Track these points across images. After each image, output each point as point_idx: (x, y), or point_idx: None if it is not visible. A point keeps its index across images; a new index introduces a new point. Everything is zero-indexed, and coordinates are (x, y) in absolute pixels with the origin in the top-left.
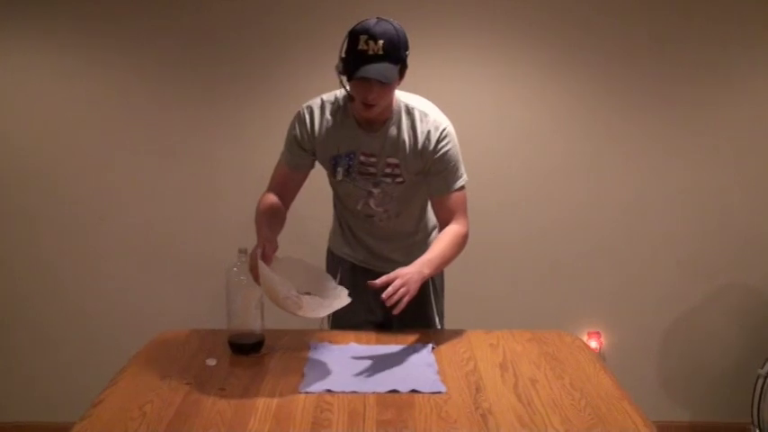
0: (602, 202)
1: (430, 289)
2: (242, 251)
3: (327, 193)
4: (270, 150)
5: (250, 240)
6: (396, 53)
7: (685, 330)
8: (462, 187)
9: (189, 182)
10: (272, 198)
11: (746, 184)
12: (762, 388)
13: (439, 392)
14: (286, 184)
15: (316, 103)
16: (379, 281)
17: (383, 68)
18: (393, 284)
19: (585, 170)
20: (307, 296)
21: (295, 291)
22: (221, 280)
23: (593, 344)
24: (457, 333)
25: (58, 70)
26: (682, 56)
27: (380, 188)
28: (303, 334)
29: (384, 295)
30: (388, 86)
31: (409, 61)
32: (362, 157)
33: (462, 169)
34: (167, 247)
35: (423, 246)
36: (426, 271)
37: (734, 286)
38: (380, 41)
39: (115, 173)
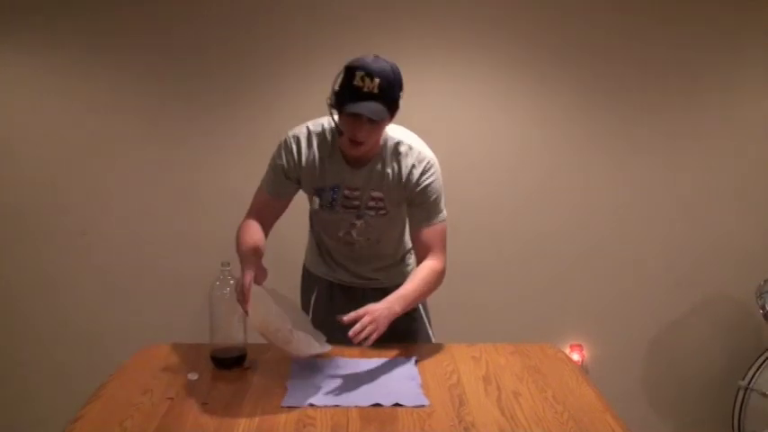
0: (584, 215)
1: (420, 309)
2: (224, 265)
3: (303, 209)
4: (253, 165)
5: (233, 255)
6: (390, 93)
7: (667, 343)
8: (443, 221)
9: (171, 195)
10: (254, 225)
11: (731, 197)
12: (743, 399)
13: (422, 406)
14: (267, 210)
15: (302, 132)
16: (347, 317)
17: (376, 107)
18: (362, 321)
19: (569, 184)
20: (299, 333)
21: (290, 325)
22: (204, 294)
23: (576, 356)
24: (440, 346)
25: (38, 83)
26: (670, 64)
27: (363, 220)
28: None
29: (351, 333)
30: (377, 125)
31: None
32: (347, 191)
33: (443, 204)
34: (149, 261)
35: (401, 265)
36: (397, 308)
37: (716, 299)
38: (377, 80)
39: (98, 187)
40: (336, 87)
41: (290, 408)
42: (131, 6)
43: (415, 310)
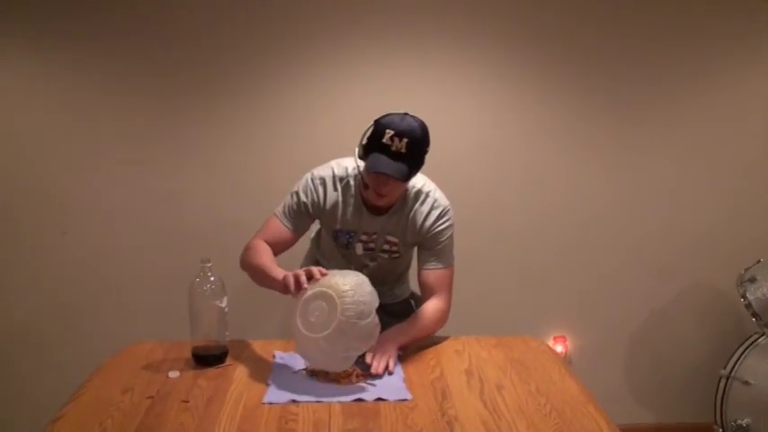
0: (566, 207)
1: (413, 306)
2: (204, 261)
3: None
4: (235, 163)
5: (213, 251)
6: (418, 153)
7: (650, 333)
8: (451, 265)
9: (153, 192)
10: (266, 247)
11: (711, 188)
12: (724, 388)
13: (405, 400)
14: (281, 241)
15: (328, 175)
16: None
17: (402, 168)
18: (375, 357)
19: (551, 177)
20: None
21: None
22: (185, 291)
23: (559, 348)
24: (423, 340)
25: (18, 84)
26: (653, 57)
27: (377, 262)
28: (268, 344)
29: (373, 370)
30: (402, 182)
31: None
32: (364, 236)
33: (453, 251)
34: (129, 259)
35: (402, 285)
36: (401, 339)
37: (697, 289)
38: (405, 140)
39: (77, 185)
40: (364, 141)
41: (272, 404)
42: (119, 8)
43: (409, 303)
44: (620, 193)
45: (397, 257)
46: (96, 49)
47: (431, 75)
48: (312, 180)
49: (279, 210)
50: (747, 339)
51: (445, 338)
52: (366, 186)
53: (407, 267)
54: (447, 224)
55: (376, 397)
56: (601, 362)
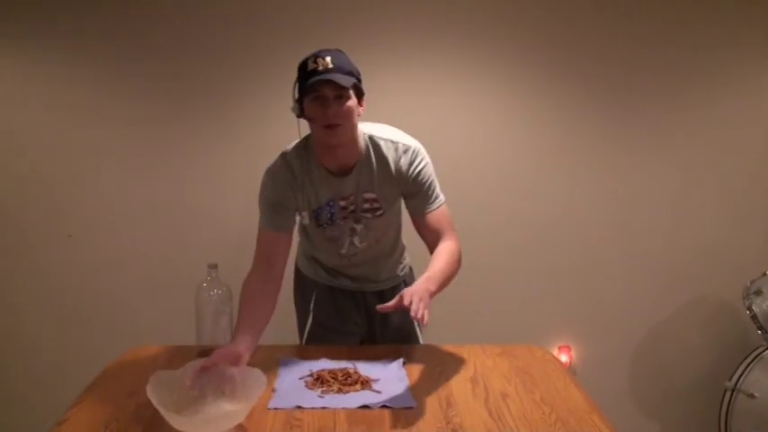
0: (572, 218)
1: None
2: (211, 267)
3: None
4: (241, 167)
5: (220, 256)
6: (346, 65)
7: (655, 344)
8: (443, 203)
9: (159, 196)
10: (256, 286)
11: (718, 199)
12: (729, 401)
13: (410, 407)
14: (276, 250)
15: (280, 163)
16: (389, 305)
17: (335, 75)
18: (414, 301)
19: (555, 187)
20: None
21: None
22: (191, 296)
23: (564, 358)
24: (428, 347)
25: (24, 87)
26: (659, 64)
27: (362, 223)
28: (274, 350)
29: (412, 314)
30: (345, 99)
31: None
32: (342, 202)
33: (439, 188)
34: (136, 263)
35: (398, 265)
36: (432, 287)
37: (703, 300)
38: (328, 57)
39: (85, 189)
40: (296, 95)
41: (278, 410)
42: (123, 9)
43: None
44: (626, 204)
45: (381, 214)
46: (101, 51)
47: (441, 75)
48: (270, 177)
49: (261, 222)
50: (753, 352)
51: (450, 346)
52: (317, 136)
53: (398, 235)
54: (422, 164)
55: (381, 404)
56: (605, 372)
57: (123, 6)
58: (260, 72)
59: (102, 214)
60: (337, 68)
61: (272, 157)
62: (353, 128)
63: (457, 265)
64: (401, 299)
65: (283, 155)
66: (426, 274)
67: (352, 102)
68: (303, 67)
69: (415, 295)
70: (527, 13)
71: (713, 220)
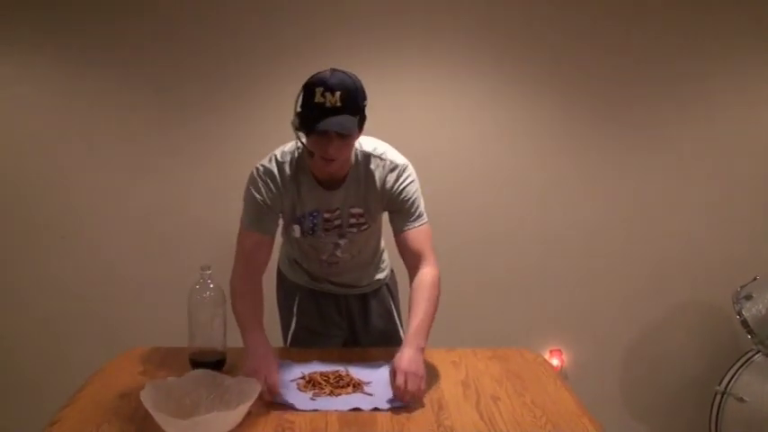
0: (563, 220)
1: (391, 303)
2: (204, 268)
3: None
4: (234, 168)
5: (213, 258)
6: (354, 104)
7: (646, 347)
8: (425, 222)
9: (152, 199)
10: (246, 284)
11: (708, 202)
12: (719, 404)
13: (402, 407)
14: (262, 251)
15: (272, 164)
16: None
17: (343, 120)
18: (401, 384)
19: (546, 189)
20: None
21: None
22: (184, 297)
23: (555, 361)
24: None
25: (21, 87)
26: (655, 73)
27: (347, 238)
28: None
29: (404, 400)
30: (348, 139)
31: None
32: (326, 214)
33: (423, 207)
34: (129, 264)
35: (378, 267)
36: (422, 343)
37: (693, 304)
38: (337, 93)
39: (79, 190)
40: (298, 108)
41: (269, 411)
42: (122, 12)
43: (390, 311)
44: (617, 207)
45: (366, 229)
46: (98, 53)
47: (436, 76)
48: (260, 176)
49: (244, 222)
50: (743, 356)
51: (441, 350)
52: (312, 155)
53: (378, 241)
54: (408, 182)
55: (372, 407)
56: (596, 375)
57: (122, 11)
58: (260, 76)
59: (94, 216)
60: (346, 107)
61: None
62: (348, 158)
63: (437, 298)
64: (394, 376)
65: (275, 157)
66: (416, 327)
67: (355, 136)
68: (310, 93)
69: (402, 375)
70: (531, 14)
71: (704, 225)
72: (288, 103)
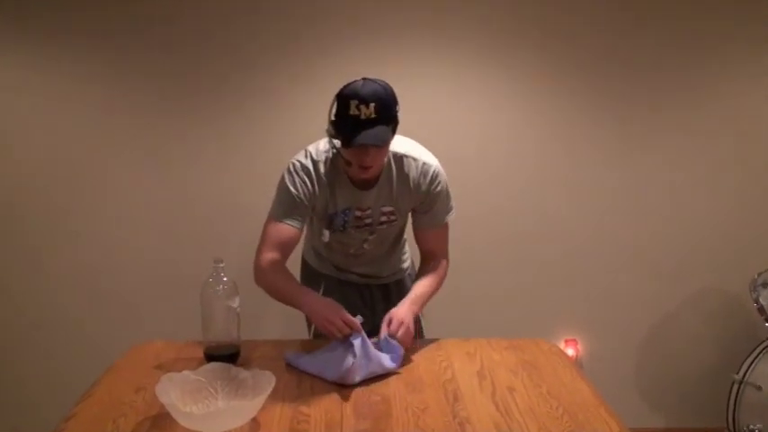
0: (577, 209)
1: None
2: (217, 261)
3: None
4: (247, 163)
5: (225, 251)
6: (387, 113)
7: (662, 337)
8: (447, 221)
9: (164, 192)
10: (277, 264)
11: (721, 190)
12: (737, 393)
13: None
14: (290, 242)
15: (308, 160)
16: (382, 333)
17: (378, 132)
18: (393, 323)
19: (561, 178)
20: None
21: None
22: (197, 291)
23: (571, 351)
24: (434, 342)
25: (30, 84)
26: (664, 60)
27: (376, 234)
28: (279, 344)
29: (392, 333)
30: (383, 147)
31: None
32: (358, 212)
33: (452, 203)
34: (142, 259)
35: (401, 255)
36: (416, 308)
37: (709, 292)
38: (372, 104)
39: (89, 186)
40: (332, 117)
41: (284, 403)
42: (131, 4)
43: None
44: (632, 196)
45: (395, 223)
46: (106, 46)
47: (440, 74)
48: (297, 171)
49: (276, 212)
50: (760, 344)
51: (456, 340)
52: (348, 164)
53: (403, 230)
54: (441, 186)
55: (384, 370)
56: (612, 365)
57: (127, 2)
58: (268, 66)
59: (107, 211)
60: (381, 118)
61: (276, 153)
62: (384, 161)
63: (442, 280)
64: (388, 324)
65: (310, 155)
66: (411, 296)
67: (390, 142)
68: (344, 105)
69: (395, 318)
70: (533, 10)
71: (719, 212)
72: (305, 102)
